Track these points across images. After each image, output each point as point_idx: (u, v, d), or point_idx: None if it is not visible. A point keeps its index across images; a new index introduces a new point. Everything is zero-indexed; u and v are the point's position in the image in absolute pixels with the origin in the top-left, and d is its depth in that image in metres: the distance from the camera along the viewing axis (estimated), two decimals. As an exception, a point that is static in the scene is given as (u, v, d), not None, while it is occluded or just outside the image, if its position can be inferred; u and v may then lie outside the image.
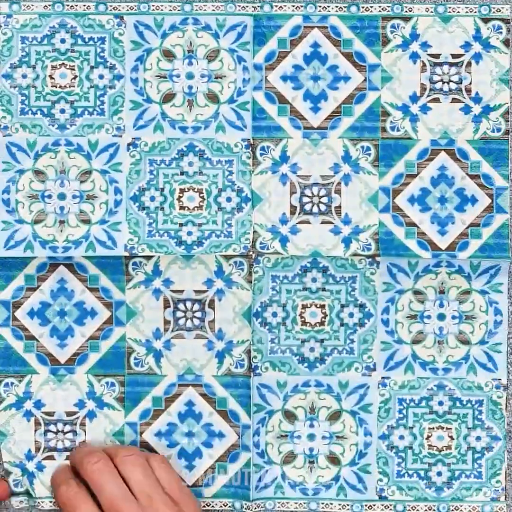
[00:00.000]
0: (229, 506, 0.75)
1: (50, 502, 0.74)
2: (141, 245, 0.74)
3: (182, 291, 0.75)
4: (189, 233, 0.74)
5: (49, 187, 0.75)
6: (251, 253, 0.74)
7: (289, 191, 0.75)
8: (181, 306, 0.75)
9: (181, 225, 0.74)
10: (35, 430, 0.74)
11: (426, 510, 0.75)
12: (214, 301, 0.75)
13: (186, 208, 0.75)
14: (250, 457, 0.75)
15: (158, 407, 0.75)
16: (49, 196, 0.75)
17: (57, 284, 0.75)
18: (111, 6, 0.75)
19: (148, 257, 0.74)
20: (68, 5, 0.75)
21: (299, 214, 0.75)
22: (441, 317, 0.75)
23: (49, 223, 0.74)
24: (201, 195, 0.75)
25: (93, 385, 0.75)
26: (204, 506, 0.75)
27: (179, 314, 0.75)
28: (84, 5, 0.75)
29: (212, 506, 0.75)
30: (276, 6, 0.74)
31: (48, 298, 0.75)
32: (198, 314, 0.75)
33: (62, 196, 0.75)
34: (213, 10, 0.74)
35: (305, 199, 0.75)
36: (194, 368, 0.75)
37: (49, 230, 0.74)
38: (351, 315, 0.75)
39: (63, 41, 0.75)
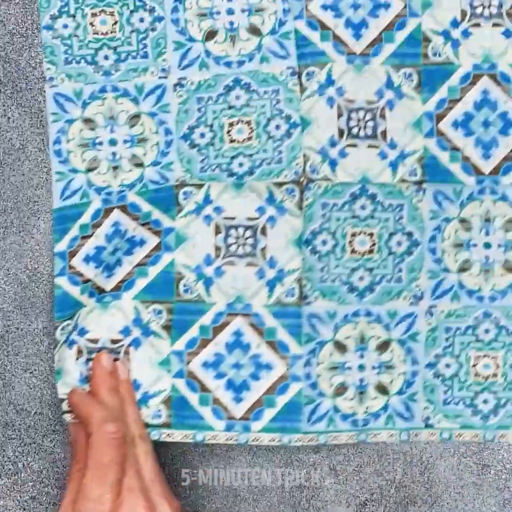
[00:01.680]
0: (278, 440, 0.73)
1: None
2: (194, 180, 0.73)
3: (233, 218, 0.73)
4: (240, 165, 0.73)
5: (100, 134, 0.73)
6: (302, 179, 0.73)
7: (336, 114, 0.74)
8: (232, 232, 0.73)
9: (232, 158, 0.73)
10: (77, 358, 0.72)
11: (472, 437, 0.74)
12: (265, 228, 0.73)
13: (236, 141, 0.73)
14: (301, 388, 0.73)
15: (205, 337, 0.73)
16: (100, 143, 0.73)
17: (111, 228, 0.73)
18: None
19: (199, 186, 0.72)
20: None
21: (347, 137, 0.74)
22: (487, 245, 0.75)
23: (103, 169, 0.73)
24: (250, 126, 0.73)
25: (140, 312, 0.72)
26: (253, 441, 0.73)
27: (230, 240, 0.73)
28: None
29: (260, 441, 0.73)
30: None
31: (103, 242, 0.73)
32: (250, 241, 0.73)
33: (113, 142, 0.73)
34: None
35: (352, 123, 0.74)
36: (244, 297, 0.73)
37: (103, 177, 0.73)
38: (399, 243, 0.74)
39: None
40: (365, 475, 0.76)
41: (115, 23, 0.74)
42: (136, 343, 0.73)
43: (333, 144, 0.74)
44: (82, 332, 0.72)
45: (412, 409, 0.74)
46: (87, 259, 0.73)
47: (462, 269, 0.75)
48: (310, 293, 0.74)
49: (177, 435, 0.72)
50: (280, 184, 0.73)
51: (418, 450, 0.76)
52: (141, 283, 0.73)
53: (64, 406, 0.71)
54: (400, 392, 0.74)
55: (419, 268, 0.74)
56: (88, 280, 0.73)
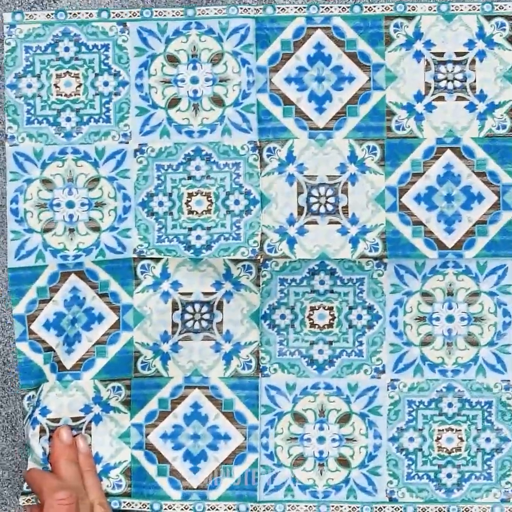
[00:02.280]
0: (234, 509, 0.74)
1: None
2: (151, 250, 0.74)
3: (190, 294, 0.74)
4: (198, 237, 0.74)
5: (57, 196, 0.74)
6: (259, 257, 0.74)
7: (296, 191, 0.74)
8: (189, 308, 0.75)
9: (190, 229, 0.74)
10: (40, 437, 0.73)
11: (436, 511, 0.74)
12: (222, 303, 0.74)
13: (195, 212, 0.74)
14: (257, 458, 0.74)
15: (164, 409, 0.75)
16: (58, 205, 0.74)
17: (69, 294, 0.74)
18: (114, 13, 0.74)
19: (157, 260, 0.74)
20: (70, 13, 0.74)
21: (306, 214, 0.74)
22: (450, 319, 0.74)
23: (59, 231, 0.74)
24: (209, 198, 0.75)
25: (100, 390, 0.74)
26: (209, 509, 0.74)
27: (187, 316, 0.75)
28: (87, 13, 0.74)
29: (217, 509, 0.74)
30: (278, 8, 0.74)
31: (62, 308, 0.74)
32: (206, 316, 0.75)
33: (70, 204, 0.75)
34: (216, 13, 0.74)
35: (312, 200, 0.74)
36: (201, 370, 0.75)
37: (59, 239, 0.74)
38: (359, 317, 0.75)
39: (66, 49, 0.74)
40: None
41: (80, 85, 0.75)
42: (96, 419, 0.74)
43: (291, 222, 0.74)
44: (44, 412, 0.73)
45: (375, 483, 0.75)
46: (47, 325, 0.74)
47: (425, 343, 0.75)
48: (268, 365, 0.75)
49: (136, 504, 0.74)
50: (237, 261, 0.74)
51: None
52: (100, 363, 0.74)
53: (24, 486, 0.73)
54: (362, 466, 0.75)
55: (381, 342, 0.75)
56: (50, 349, 0.74)
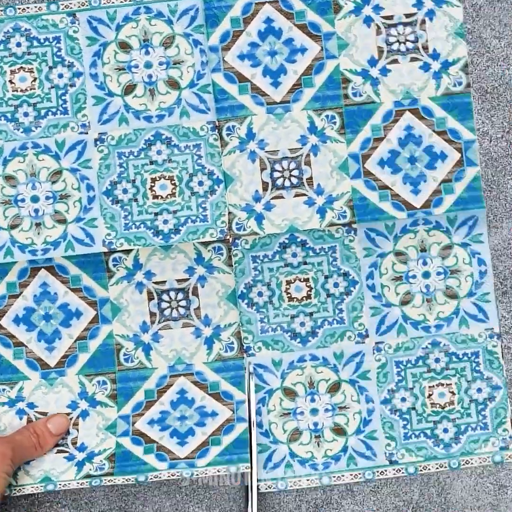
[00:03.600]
0: (224, 471, 0.73)
1: None
2: (119, 240, 0.74)
3: (164, 282, 0.74)
4: (165, 222, 0.74)
5: (21, 191, 0.74)
6: (228, 237, 0.74)
7: (259, 167, 0.74)
8: (165, 297, 0.74)
9: (156, 214, 0.74)
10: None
11: (437, 468, 0.75)
12: (197, 288, 0.74)
13: (159, 197, 0.74)
14: (246, 428, 0.74)
15: (151, 399, 0.74)
16: (22, 200, 0.74)
17: (39, 288, 0.74)
18: (62, 4, 0.74)
19: (127, 251, 0.74)
20: (20, 9, 0.74)
21: (271, 189, 0.74)
22: (426, 275, 0.75)
23: (26, 226, 0.74)
24: (173, 182, 0.74)
25: (85, 385, 0.74)
26: (197, 475, 0.72)
27: (164, 305, 0.75)
28: (36, 7, 0.74)
29: (206, 474, 0.73)
30: (224, -15, 0.74)
31: (32, 303, 0.74)
32: (183, 303, 0.75)
33: (35, 199, 0.74)
34: None
35: (276, 174, 0.75)
36: (184, 358, 0.75)
37: (26, 234, 0.74)
38: (336, 285, 0.75)
39: (18, 44, 0.74)
40: (382, 495, 0.76)
41: (34, 79, 0.74)
42: (84, 414, 0.74)
43: (257, 199, 0.74)
44: (31, 406, 0.74)
45: (373, 447, 0.75)
46: (17, 321, 0.74)
47: (404, 302, 0.75)
48: (252, 344, 0.75)
49: (119, 480, 0.73)
50: (207, 243, 0.74)
51: (435, 471, 0.76)
52: (83, 358, 0.75)
53: None
54: (358, 432, 0.75)
55: (360, 307, 0.75)
56: (21, 344, 0.74)
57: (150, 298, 0.74)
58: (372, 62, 0.75)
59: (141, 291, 0.74)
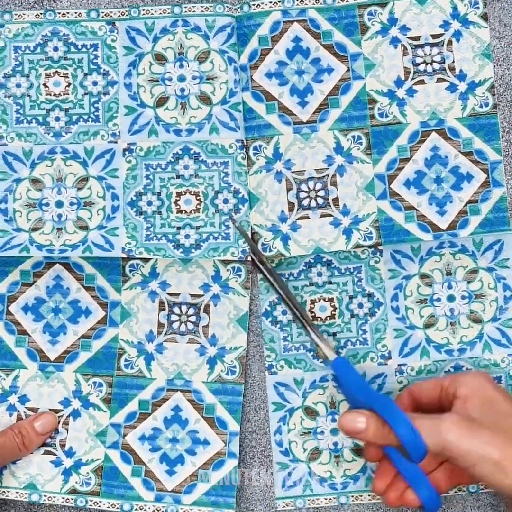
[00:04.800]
0: None
1: None
2: (139, 249, 0.74)
3: (178, 295, 0.75)
4: (187, 236, 0.74)
5: (46, 195, 0.75)
6: (249, 258, 0.74)
7: (285, 187, 0.74)
8: (176, 309, 0.75)
9: (178, 228, 0.74)
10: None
11: None
12: (209, 306, 0.74)
13: (184, 212, 0.74)
14: (236, 465, 0.74)
15: (145, 411, 0.75)
16: (47, 204, 0.75)
17: (53, 281, 0.75)
18: (103, 12, 0.75)
19: (146, 260, 0.74)
20: (59, 13, 0.75)
21: (297, 210, 0.74)
22: (451, 298, 0.75)
23: (47, 230, 0.74)
24: (198, 197, 0.75)
25: (80, 383, 0.74)
26: None
27: (173, 317, 0.75)
28: (76, 13, 0.75)
29: None
30: (253, 4, 0.74)
31: (43, 294, 0.75)
32: (193, 319, 0.75)
33: (59, 204, 0.75)
34: (202, 11, 0.74)
35: (302, 194, 0.75)
36: (184, 373, 0.74)
37: (46, 237, 0.74)
38: (360, 305, 0.75)
39: (55, 49, 0.75)
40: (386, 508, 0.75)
41: (69, 85, 0.75)
42: (75, 414, 0.75)
43: (283, 219, 0.74)
44: (23, 400, 0.74)
45: None
46: (25, 309, 0.75)
47: (428, 325, 0.75)
48: (274, 363, 0.75)
49: (104, 504, 0.73)
50: (227, 262, 0.74)
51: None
52: (84, 357, 0.75)
53: None
54: None
55: (384, 328, 0.75)
56: (25, 332, 0.75)
57: (161, 309, 0.75)
58: (399, 82, 0.75)
59: (154, 300, 0.75)
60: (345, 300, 0.75)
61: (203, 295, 0.74)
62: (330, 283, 0.75)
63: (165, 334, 0.75)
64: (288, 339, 0.75)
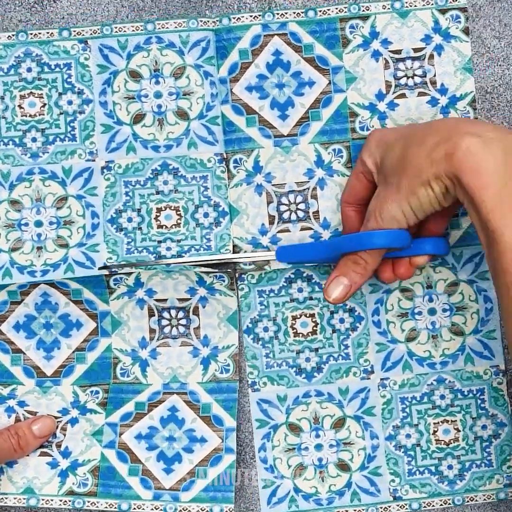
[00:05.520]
0: (207, 511, 0.73)
1: None
2: (121, 262, 0.73)
3: (165, 300, 0.74)
4: (168, 249, 0.73)
5: (26, 216, 0.74)
6: (230, 270, 0.73)
7: (266, 201, 0.74)
8: (165, 314, 0.74)
9: (159, 242, 0.73)
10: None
11: (441, 504, 0.74)
12: (198, 308, 0.74)
13: (164, 227, 0.74)
14: (234, 460, 0.73)
15: (141, 411, 0.74)
16: (26, 224, 0.74)
17: (40, 298, 0.74)
18: (74, 31, 0.73)
19: (129, 273, 0.73)
20: (31, 34, 0.73)
21: (278, 223, 0.74)
22: (432, 311, 0.75)
23: (27, 250, 0.74)
24: (178, 212, 0.74)
25: (78, 395, 0.74)
26: (181, 511, 0.73)
27: (164, 322, 0.74)
28: (48, 33, 0.73)
29: (189, 511, 0.73)
30: (234, 18, 0.73)
31: (33, 311, 0.74)
32: (183, 322, 0.74)
33: (38, 223, 0.74)
34: (176, 27, 0.73)
35: (283, 208, 0.74)
36: (179, 376, 0.74)
37: (26, 256, 0.73)
38: (341, 320, 0.75)
39: (29, 70, 0.73)
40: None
41: (44, 105, 0.74)
42: (73, 421, 0.74)
43: (263, 232, 0.74)
44: (22, 405, 0.74)
45: (377, 483, 0.74)
46: (17, 327, 0.74)
47: (410, 338, 0.75)
48: (257, 379, 0.74)
49: (101, 504, 0.73)
50: (208, 272, 0.73)
51: (439, 507, 0.75)
52: (80, 369, 0.74)
53: None
54: (362, 468, 0.75)
55: (366, 343, 0.75)
56: (19, 351, 0.74)
57: (151, 315, 0.74)
58: (380, 96, 0.74)
59: (142, 307, 0.74)
60: (326, 315, 0.74)
61: (190, 299, 0.74)
62: (311, 298, 0.74)
63: (158, 339, 0.74)
64: (270, 356, 0.74)
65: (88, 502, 0.73)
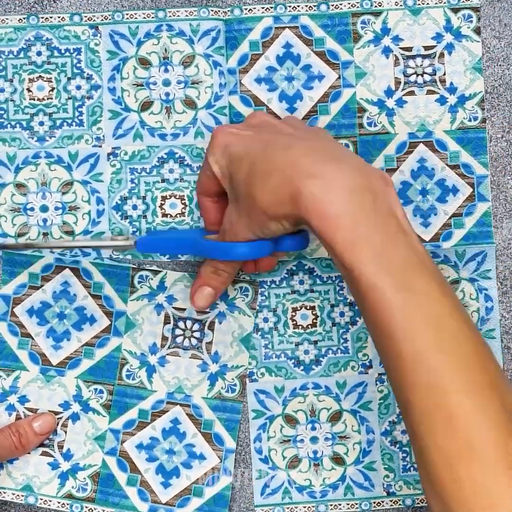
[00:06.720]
0: None
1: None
2: (127, 255, 0.74)
3: (184, 310, 0.74)
4: None
5: (31, 200, 0.74)
6: (255, 282, 0.74)
7: None
8: (181, 324, 0.74)
9: None
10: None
11: None
12: (214, 323, 0.74)
13: (169, 215, 0.74)
14: (230, 482, 0.74)
15: (144, 420, 0.74)
16: (32, 209, 0.74)
17: (60, 286, 0.74)
18: (86, 16, 0.73)
19: (155, 272, 0.74)
20: (42, 18, 0.73)
21: None
22: None
23: (33, 235, 0.74)
24: (183, 201, 0.74)
25: (81, 389, 0.74)
26: None
27: (178, 331, 0.74)
28: (59, 17, 0.73)
29: None
30: (246, 9, 0.73)
31: (50, 299, 0.74)
32: (197, 334, 0.74)
33: (44, 208, 0.74)
34: (187, 15, 0.73)
35: None
36: (184, 388, 0.74)
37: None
38: (342, 314, 0.75)
39: (39, 53, 0.73)
40: None
41: (52, 89, 0.74)
42: (74, 417, 0.74)
43: None
44: (23, 401, 0.74)
45: (372, 478, 0.75)
46: (31, 312, 0.74)
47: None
48: (255, 370, 0.74)
49: (98, 511, 0.74)
50: (234, 282, 0.74)
51: None
52: (86, 364, 0.74)
53: None
54: (357, 462, 0.75)
55: (365, 337, 0.75)
56: (28, 335, 0.74)
57: (166, 322, 0.74)
58: (389, 92, 0.74)
59: (159, 313, 0.74)
60: (326, 309, 0.75)
61: (209, 312, 0.74)
62: (312, 291, 0.75)
63: (168, 347, 0.74)
64: (269, 346, 0.75)
65: (86, 507, 0.74)
